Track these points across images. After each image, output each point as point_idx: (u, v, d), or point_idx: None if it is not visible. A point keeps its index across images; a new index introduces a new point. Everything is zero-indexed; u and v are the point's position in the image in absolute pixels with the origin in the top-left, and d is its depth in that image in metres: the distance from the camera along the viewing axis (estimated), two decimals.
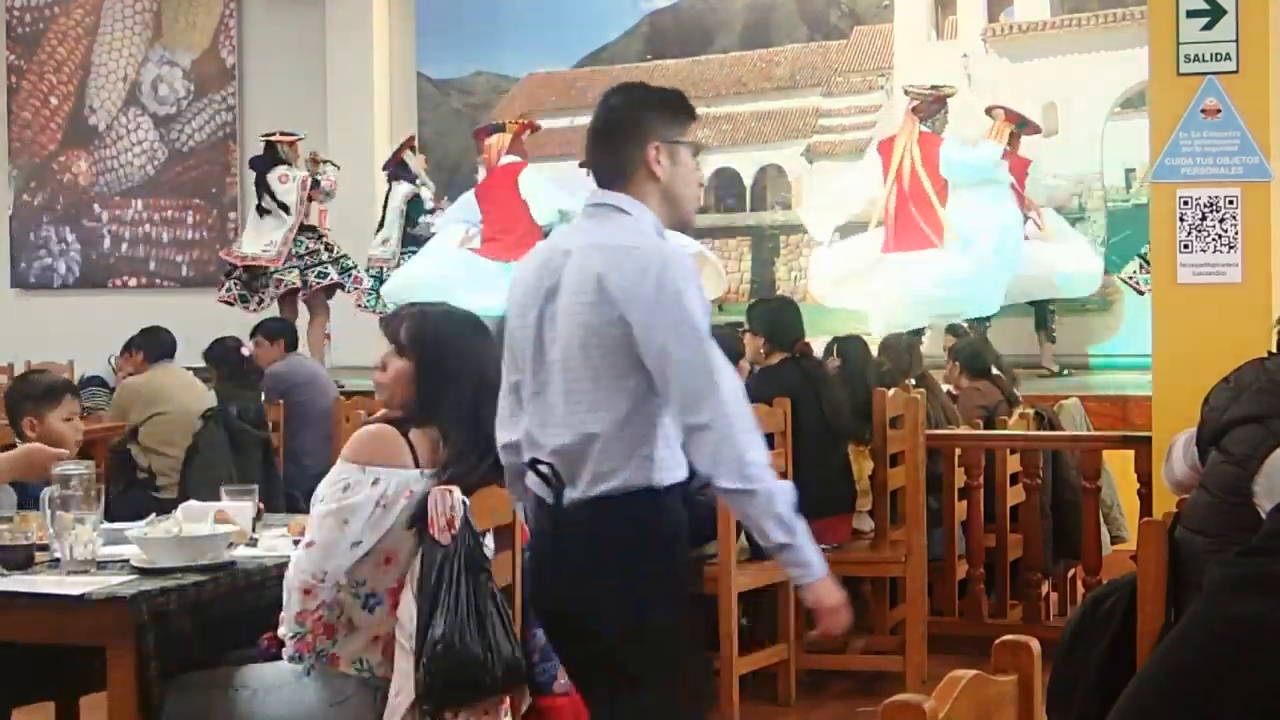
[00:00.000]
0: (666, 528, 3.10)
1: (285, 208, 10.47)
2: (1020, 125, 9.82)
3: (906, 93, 10.04)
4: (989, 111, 9.86)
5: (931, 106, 9.78)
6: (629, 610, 3.06)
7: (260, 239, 10.59)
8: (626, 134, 3.12)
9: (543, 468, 3.08)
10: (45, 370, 6.11)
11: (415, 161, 10.50)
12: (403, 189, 10.54)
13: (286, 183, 10.47)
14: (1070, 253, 9.77)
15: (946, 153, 9.57)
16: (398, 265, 10.51)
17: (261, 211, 10.65)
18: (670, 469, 3.07)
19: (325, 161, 10.68)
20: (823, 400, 5.80)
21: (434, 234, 10.47)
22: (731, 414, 2.97)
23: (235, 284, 10.65)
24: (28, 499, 3.88)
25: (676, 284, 2.99)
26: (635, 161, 3.10)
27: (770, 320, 6.09)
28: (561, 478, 3.06)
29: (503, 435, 3.22)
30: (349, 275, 10.55)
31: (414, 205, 10.46)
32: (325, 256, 10.52)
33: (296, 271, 10.48)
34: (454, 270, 9.93)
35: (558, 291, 3.06)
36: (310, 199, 10.54)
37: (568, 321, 3.04)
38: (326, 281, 10.51)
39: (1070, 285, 9.73)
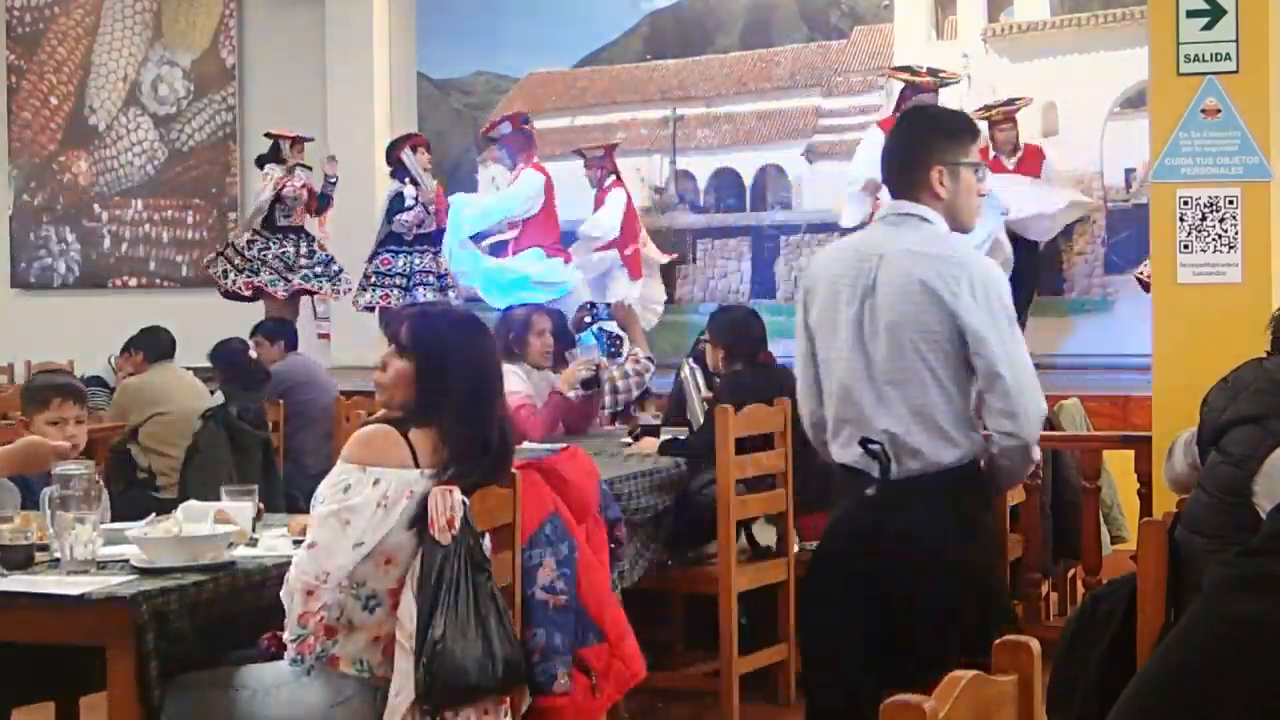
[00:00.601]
0: (980, 499, 3.61)
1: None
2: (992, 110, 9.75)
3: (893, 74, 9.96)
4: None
5: (912, 89, 9.43)
6: (955, 569, 3.46)
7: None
8: (914, 157, 3.55)
9: (874, 446, 3.45)
10: (57, 370, 6.10)
11: (412, 160, 10.49)
12: (389, 188, 10.57)
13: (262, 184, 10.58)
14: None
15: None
16: (371, 261, 10.52)
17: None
18: (978, 447, 3.52)
19: (298, 165, 10.68)
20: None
21: (401, 230, 10.46)
22: (1040, 403, 3.51)
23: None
24: (30, 501, 3.88)
25: (997, 290, 3.46)
26: (922, 182, 3.52)
27: (730, 331, 5.98)
28: (888, 455, 3.44)
29: (809, 404, 3.69)
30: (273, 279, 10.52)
31: (395, 202, 10.47)
32: (264, 259, 10.52)
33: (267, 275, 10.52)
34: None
35: (875, 290, 3.46)
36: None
37: (891, 319, 3.44)
38: (275, 288, 10.50)
39: None
